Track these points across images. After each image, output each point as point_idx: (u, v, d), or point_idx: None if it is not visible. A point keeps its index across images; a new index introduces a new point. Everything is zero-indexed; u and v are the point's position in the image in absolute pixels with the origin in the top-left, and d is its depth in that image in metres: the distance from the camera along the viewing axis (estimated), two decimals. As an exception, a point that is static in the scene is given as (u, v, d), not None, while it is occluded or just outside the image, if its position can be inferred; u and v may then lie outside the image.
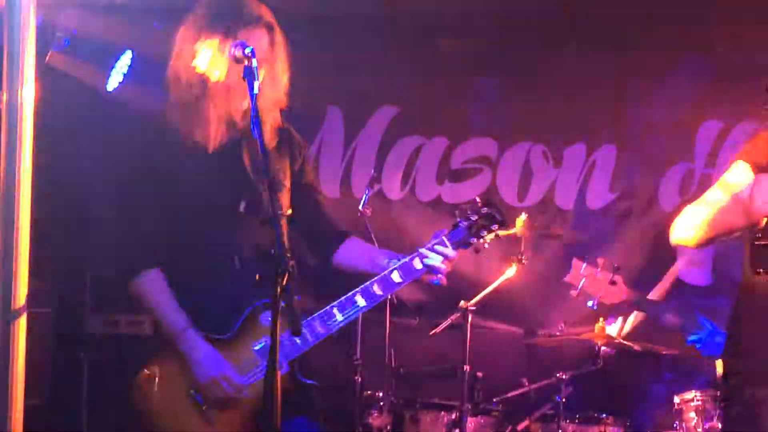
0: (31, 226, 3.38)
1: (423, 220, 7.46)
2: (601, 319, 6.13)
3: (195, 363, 3.98)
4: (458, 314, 6.01)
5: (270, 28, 4.13)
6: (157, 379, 4.01)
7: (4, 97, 3.14)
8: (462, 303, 5.94)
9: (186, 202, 4.09)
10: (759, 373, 3.75)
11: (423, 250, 4.21)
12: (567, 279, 5.46)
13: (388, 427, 6.13)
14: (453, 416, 6.06)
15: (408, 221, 7.50)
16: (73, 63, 6.52)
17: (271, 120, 4.19)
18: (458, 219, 4.33)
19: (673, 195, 7.47)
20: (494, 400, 6.20)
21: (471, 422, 6.00)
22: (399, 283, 4.18)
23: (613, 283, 5.34)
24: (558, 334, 7.08)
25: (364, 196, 6.02)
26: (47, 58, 6.26)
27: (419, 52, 7.46)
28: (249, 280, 4.00)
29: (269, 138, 4.17)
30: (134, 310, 6.38)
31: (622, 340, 6.19)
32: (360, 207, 5.95)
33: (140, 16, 6.72)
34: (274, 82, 4.16)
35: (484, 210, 4.32)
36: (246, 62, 3.75)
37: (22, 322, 3.30)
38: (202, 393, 3.99)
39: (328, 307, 4.11)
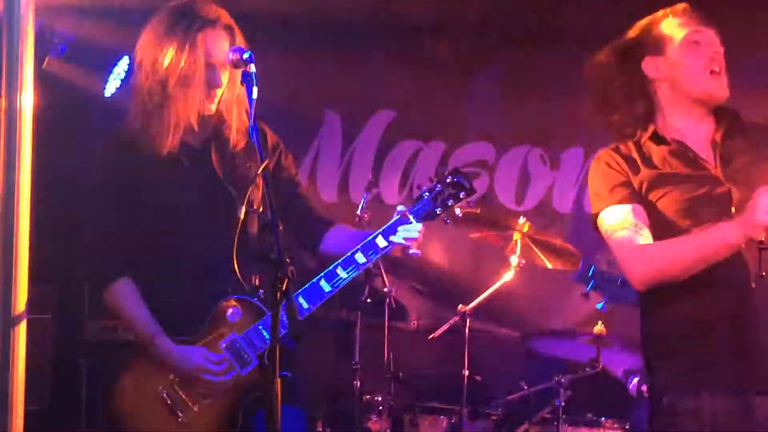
0: (30, 232, 3.38)
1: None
2: (600, 322, 6.13)
3: (173, 367, 4.02)
4: (457, 318, 6.01)
5: (229, 30, 4.11)
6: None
7: (3, 103, 3.14)
8: (460, 307, 5.94)
9: (153, 208, 4.11)
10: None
11: (385, 228, 4.21)
12: (575, 279, 5.48)
13: (387, 431, 6.13)
14: (452, 420, 6.07)
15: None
16: (70, 69, 6.53)
17: (236, 119, 4.18)
18: (423, 190, 4.27)
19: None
20: (493, 403, 6.20)
21: (470, 426, 6.00)
22: (364, 263, 4.15)
23: (622, 284, 5.37)
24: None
25: (362, 200, 6.02)
26: (45, 63, 6.27)
27: (416, 57, 7.47)
28: (216, 281, 4.06)
29: (236, 138, 4.19)
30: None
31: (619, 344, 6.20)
32: (358, 211, 5.96)
33: (137, 21, 6.73)
34: (235, 82, 4.10)
35: (449, 179, 4.22)
36: (244, 68, 3.76)
37: (21, 328, 3.30)
38: (177, 393, 4.04)
39: (293, 296, 3.99)
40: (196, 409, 4.05)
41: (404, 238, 4.19)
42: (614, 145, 4.12)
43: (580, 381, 6.12)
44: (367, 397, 6.21)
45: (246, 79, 3.72)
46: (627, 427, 6.11)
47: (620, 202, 3.77)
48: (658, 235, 3.67)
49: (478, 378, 6.08)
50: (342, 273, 4.12)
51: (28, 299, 3.36)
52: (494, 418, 6.15)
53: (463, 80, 7.61)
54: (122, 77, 6.73)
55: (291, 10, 4.44)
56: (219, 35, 4.08)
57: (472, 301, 5.97)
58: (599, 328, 6.10)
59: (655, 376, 3.78)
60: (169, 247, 4.12)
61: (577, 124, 7.55)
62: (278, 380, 3.23)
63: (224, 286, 4.07)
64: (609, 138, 7.58)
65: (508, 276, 5.97)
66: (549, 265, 6.05)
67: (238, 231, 3.64)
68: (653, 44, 4.03)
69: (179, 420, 4.03)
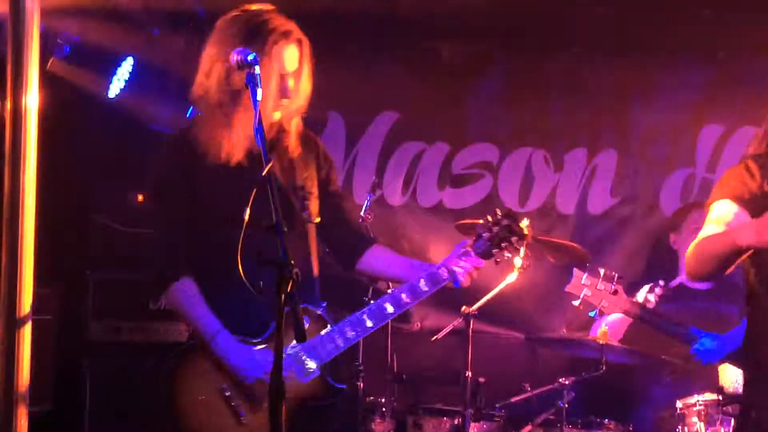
0: (35, 233, 3.39)
1: (424, 226, 7.47)
2: (603, 324, 6.13)
3: (234, 366, 4.10)
4: (460, 320, 6.01)
5: (299, 43, 4.23)
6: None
7: (9, 104, 3.14)
8: (464, 308, 5.93)
9: (216, 213, 4.18)
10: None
11: (449, 261, 4.37)
12: (568, 289, 5.47)
13: (391, 433, 6.14)
14: (455, 422, 6.06)
15: (409, 227, 7.51)
16: (74, 70, 6.54)
17: (295, 128, 4.32)
18: (480, 231, 4.42)
19: (674, 199, 7.48)
20: (497, 405, 6.19)
21: (473, 428, 6.00)
22: (426, 291, 4.32)
23: (614, 293, 5.35)
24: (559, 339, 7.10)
25: (366, 201, 6.02)
26: (49, 65, 6.27)
27: (420, 58, 7.48)
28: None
29: (294, 146, 4.32)
30: (136, 318, 6.39)
31: (623, 345, 6.19)
32: (361, 213, 5.95)
33: (141, 23, 6.74)
34: (299, 92, 4.26)
35: (504, 222, 4.41)
36: (249, 69, 3.77)
37: (27, 330, 3.30)
38: (239, 394, 4.12)
39: (358, 313, 4.26)
40: (258, 412, 4.11)
41: (463, 270, 4.36)
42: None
43: (584, 383, 6.12)
44: (371, 398, 6.20)
45: (250, 80, 3.73)
46: (630, 429, 6.11)
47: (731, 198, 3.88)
48: None
49: (482, 380, 6.07)
50: (405, 298, 4.31)
51: (33, 300, 3.37)
52: (498, 419, 6.14)
53: (467, 82, 7.61)
54: (126, 78, 6.74)
55: (295, 13, 4.45)
56: (291, 47, 4.20)
57: (475, 303, 5.96)
58: (603, 329, 6.09)
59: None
60: (232, 253, 4.05)
61: (580, 125, 7.57)
62: (282, 384, 3.26)
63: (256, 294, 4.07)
64: (611, 140, 7.64)
65: (511, 277, 5.96)
66: (552, 260, 6.06)
67: (242, 234, 3.64)
68: None
69: (241, 422, 4.13)
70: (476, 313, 5.94)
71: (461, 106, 7.62)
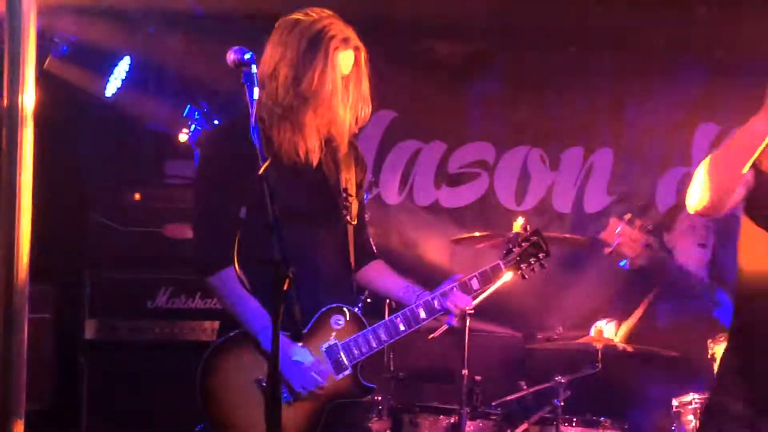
0: (31, 231, 3.39)
1: (421, 225, 7.48)
2: (598, 322, 6.15)
3: (286, 363, 4.14)
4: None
5: (357, 49, 4.37)
6: None
7: (5, 103, 3.14)
8: (460, 306, 5.93)
9: (260, 208, 4.06)
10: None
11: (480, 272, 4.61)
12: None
13: (387, 431, 6.14)
14: (452, 420, 6.06)
15: (406, 226, 7.52)
16: (71, 69, 6.55)
17: (349, 134, 4.43)
18: (510, 245, 4.74)
19: (670, 198, 7.49)
20: (493, 403, 6.19)
21: (470, 426, 6.00)
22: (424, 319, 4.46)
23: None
24: (556, 337, 7.10)
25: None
26: (46, 64, 6.28)
27: (417, 57, 7.49)
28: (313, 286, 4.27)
29: (344, 149, 4.45)
30: (134, 316, 6.39)
31: (620, 343, 6.20)
32: (358, 211, 5.96)
33: (138, 22, 6.75)
34: (359, 99, 4.40)
35: (533, 238, 4.74)
36: (245, 68, 3.78)
37: (23, 328, 3.30)
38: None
39: (393, 317, 4.41)
40: (290, 406, 4.19)
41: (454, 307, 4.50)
42: None
43: (580, 381, 6.13)
44: (367, 397, 6.21)
45: (247, 79, 3.74)
46: (626, 427, 6.12)
47: None
48: None
49: (478, 378, 6.08)
50: (423, 314, 4.44)
51: (28, 298, 3.37)
52: (494, 417, 6.15)
53: (464, 81, 7.62)
54: (123, 77, 6.75)
55: (292, 11, 4.48)
56: (348, 53, 4.34)
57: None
58: (598, 327, 6.11)
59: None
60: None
61: (576, 124, 7.59)
62: (279, 381, 3.27)
63: (330, 290, 4.33)
64: (607, 138, 7.66)
65: (508, 276, 5.96)
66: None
67: (239, 232, 3.69)
68: None
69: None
70: (473, 311, 5.94)
71: (458, 105, 7.63)
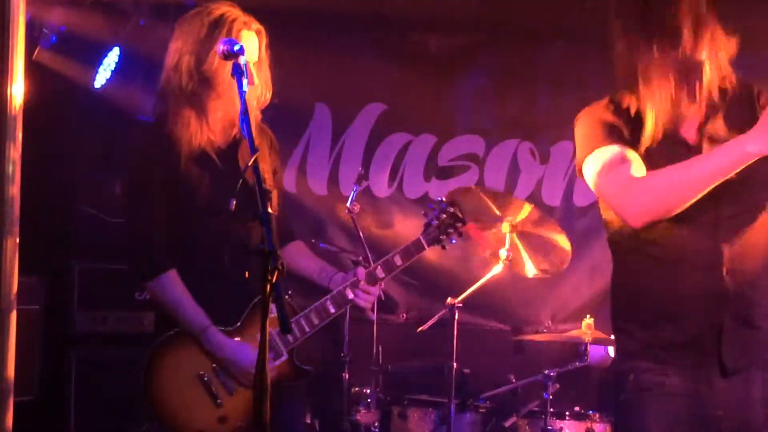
0: (20, 223, 3.38)
1: (410, 217, 7.47)
2: (588, 315, 6.15)
3: (223, 359, 4.33)
4: (445, 311, 6.01)
5: (259, 33, 4.44)
6: None
7: (-6, 94, 3.14)
8: (449, 300, 5.94)
9: (191, 204, 4.36)
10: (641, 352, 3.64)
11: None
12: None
13: (376, 424, 6.14)
14: (440, 413, 6.07)
15: (395, 218, 7.52)
16: (60, 60, 6.53)
17: (254, 119, 4.46)
18: (428, 219, 4.82)
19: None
20: (481, 396, 6.20)
21: (458, 418, 6.01)
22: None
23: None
24: (545, 330, 7.12)
25: (352, 193, 6.02)
26: (34, 54, 6.26)
27: (407, 50, 7.48)
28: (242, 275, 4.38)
29: (255, 136, 4.26)
30: (123, 307, 6.38)
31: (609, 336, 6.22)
32: (348, 204, 5.96)
33: (127, 13, 6.73)
34: (262, 82, 4.46)
35: (450, 209, 4.83)
36: (234, 59, 3.79)
37: (12, 320, 3.30)
38: (217, 379, 4.36)
39: (323, 300, 4.53)
40: (232, 396, 4.36)
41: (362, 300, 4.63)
42: None
43: (568, 374, 6.14)
44: (356, 389, 6.22)
45: (236, 71, 3.76)
46: (614, 420, 6.13)
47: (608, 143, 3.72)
48: None
49: (467, 371, 6.09)
50: (350, 295, 4.60)
51: (17, 290, 3.37)
52: (482, 410, 6.16)
53: (453, 74, 7.61)
54: (112, 68, 6.73)
55: (282, 4, 4.49)
56: (252, 36, 4.42)
57: (461, 294, 5.97)
58: (588, 321, 6.12)
59: (621, 345, 3.74)
60: (205, 244, 4.40)
61: (566, 118, 7.53)
62: (267, 374, 3.28)
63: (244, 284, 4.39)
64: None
65: (497, 269, 5.97)
66: (531, 272, 6.02)
67: (270, 228, 3.76)
68: None
69: (218, 404, 4.36)
70: (462, 304, 5.95)
71: (447, 98, 7.63)
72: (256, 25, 4.44)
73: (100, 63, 6.71)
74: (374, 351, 6.30)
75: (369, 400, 6.17)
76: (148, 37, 6.86)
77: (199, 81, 4.33)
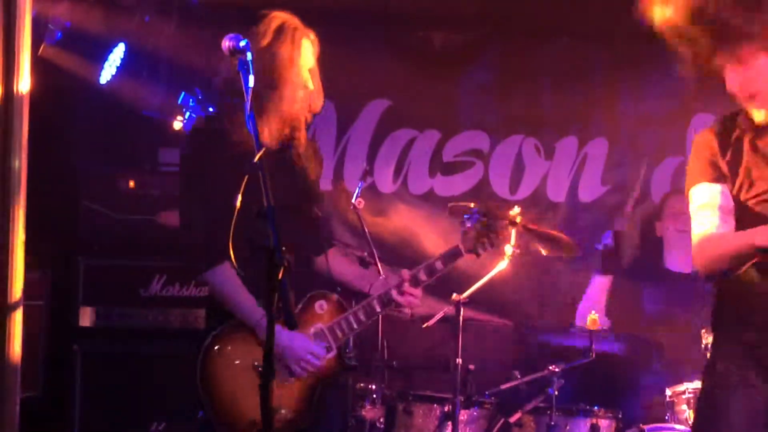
0: (26, 219, 3.38)
1: (415, 214, 7.47)
2: (593, 311, 6.15)
3: (281, 348, 4.45)
4: (450, 307, 6.01)
5: (314, 42, 4.69)
6: None
7: (0, 91, 3.14)
8: (454, 296, 5.93)
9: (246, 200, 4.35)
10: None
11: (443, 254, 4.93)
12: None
13: (381, 420, 6.14)
14: (445, 408, 6.06)
15: (400, 214, 7.51)
16: (65, 56, 6.54)
17: (304, 125, 4.69)
18: (464, 228, 5.01)
19: (664, 188, 7.49)
20: (486, 392, 6.19)
21: (463, 414, 6.01)
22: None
23: None
24: (549, 326, 7.11)
25: (357, 189, 6.01)
26: (40, 50, 6.26)
27: (411, 46, 7.49)
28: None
29: (305, 141, 4.74)
30: (127, 303, 6.39)
31: (611, 328, 6.23)
32: (352, 200, 5.95)
33: (132, 9, 6.73)
34: (318, 88, 4.70)
35: (484, 219, 4.99)
36: (240, 55, 3.79)
37: (18, 315, 3.31)
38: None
39: (370, 299, 4.76)
40: (284, 387, 4.53)
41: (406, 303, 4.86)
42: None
43: (574, 370, 6.13)
44: (361, 385, 6.21)
45: (242, 67, 3.76)
46: (620, 416, 6.12)
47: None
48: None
49: (472, 367, 6.07)
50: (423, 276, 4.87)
51: (23, 286, 3.37)
52: (487, 406, 6.15)
53: (458, 70, 7.61)
54: (117, 64, 6.74)
55: (286, 1, 4.52)
56: (311, 45, 4.67)
57: (466, 290, 5.97)
58: (593, 317, 6.11)
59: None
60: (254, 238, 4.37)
61: (571, 114, 7.58)
62: (273, 369, 3.34)
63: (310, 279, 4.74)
64: (601, 128, 7.66)
65: (502, 265, 5.96)
66: (544, 252, 6.06)
67: (234, 219, 3.86)
68: None
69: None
70: (467, 300, 5.94)
71: (452, 94, 7.63)
72: (312, 34, 4.67)
73: (106, 59, 6.71)
74: (379, 347, 6.30)
75: (374, 396, 6.17)
76: (153, 33, 6.87)
77: (263, 85, 4.38)
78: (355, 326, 4.71)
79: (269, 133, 4.55)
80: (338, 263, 5.01)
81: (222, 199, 4.36)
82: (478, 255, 5.04)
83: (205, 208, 4.51)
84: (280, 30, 4.55)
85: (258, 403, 4.09)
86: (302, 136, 4.69)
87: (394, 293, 4.76)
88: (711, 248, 3.92)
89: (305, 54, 4.60)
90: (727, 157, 4.03)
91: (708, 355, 4.32)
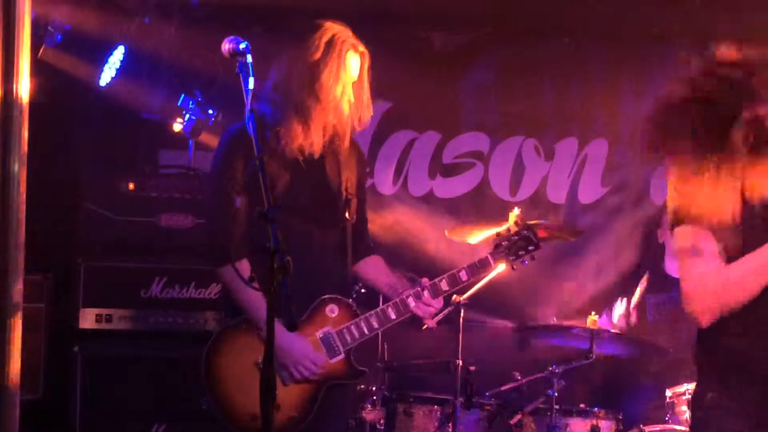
0: (25, 222, 3.38)
1: (415, 215, 7.47)
2: (593, 312, 6.15)
3: (279, 350, 4.40)
4: (451, 308, 6.01)
5: (362, 55, 4.80)
6: None
7: (0, 93, 3.14)
8: (455, 297, 5.94)
9: (286, 202, 4.58)
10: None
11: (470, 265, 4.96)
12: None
13: (381, 421, 6.15)
14: (446, 410, 6.07)
15: (400, 216, 7.51)
16: (65, 58, 6.54)
17: (349, 134, 4.80)
18: (502, 238, 5.06)
19: (664, 189, 7.45)
20: (487, 393, 6.20)
21: (464, 416, 6.01)
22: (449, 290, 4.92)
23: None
24: (550, 327, 7.11)
25: (358, 190, 6.01)
26: (40, 53, 6.26)
27: (412, 47, 7.48)
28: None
29: (346, 149, 4.83)
30: (128, 305, 6.38)
31: (615, 330, 6.23)
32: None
33: (132, 11, 6.73)
34: (361, 102, 4.79)
35: (524, 233, 5.04)
36: (240, 58, 3.80)
37: (17, 318, 3.30)
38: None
39: (386, 305, 4.81)
40: (286, 386, 4.61)
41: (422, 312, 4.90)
42: None
43: (574, 371, 6.13)
44: (361, 386, 6.21)
45: (242, 69, 3.77)
46: (620, 417, 6.13)
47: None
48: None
49: (472, 368, 6.08)
50: (412, 303, 4.84)
51: (23, 288, 3.36)
52: (488, 408, 6.15)
53: (458, 71, 7.62)
54: (117, 66, 6.74)
55: (286, 2, 4.53)
56: (357, 57, 4.77)
57: (466, 292, 5.97)
58: (593, 318, 6.11)
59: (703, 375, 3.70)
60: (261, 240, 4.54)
61: (571, 115, 7.59)
62: (274, 370, 3.35)
63: (324, 282, 4.73)
64: (601, 129, 7.65)
65: (502, 266, 5.97)
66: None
67: (275, 226, 4.00)
68: None
69: None
70: (467, 301, 5.95)
71: (452, 96, 7.63)
72: (361, 47, 4.79)
73: (105, 61, 6.71)
74: (379, 348, 6.31)
75: (374, 398, 6.18)
76: (153, 35, 6.87)
77: (309, 94, 4.60)
78: (366, 332, 4.75)
79: (313, 141, 4.66)
80: (372, 272, 5.09)
81: (246, 198, 4.62)
82: (513, 267, 5.07)
83: (227, 206, 4.66)
84: (330, 44, 4.67)
85: (258, 401, 4.28)
86: (344, 145, 4.79)
87: (410, 301, 4.79)
88: (728, 284, 3.50)
89: (350, 67, 4.70)
90: None
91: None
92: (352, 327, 4.73)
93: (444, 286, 4.85)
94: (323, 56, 4.63)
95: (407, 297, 4.79)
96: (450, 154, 7.59)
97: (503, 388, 6.25)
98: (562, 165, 7.59)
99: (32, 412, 5.62)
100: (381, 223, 7.36)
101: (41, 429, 6.10)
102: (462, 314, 5.94)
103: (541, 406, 6.06)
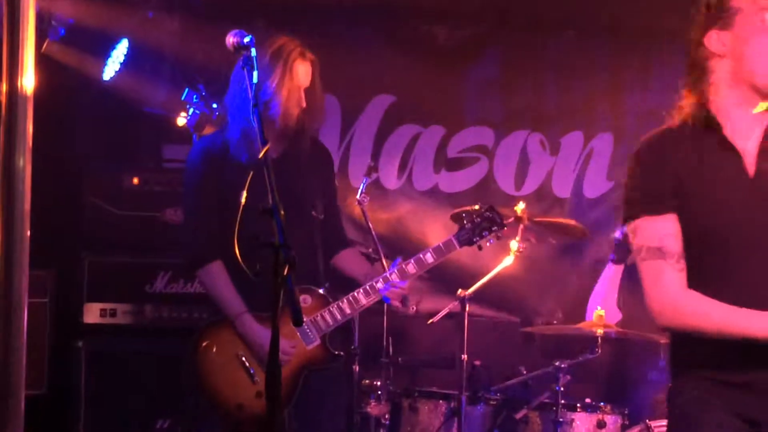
0: (30, 216, 3.37)
1: (420, 210, 7.46)
2: (599, 307, 6.13)
3: (252, 344, 4.99)
4: (456, 303, 6.00)
5: (313, 63, 5.11)
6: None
7: (4, 87, 3.13)
8: (460, 292, 5.93)
9: (235, 202, 4.85)
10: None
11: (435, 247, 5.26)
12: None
13: (386, 416, 6.13)
14: (451, 405, 6.06)
15: (405, 210, 7.50)
16: (69, 52, 6.54)
17: (310, 136, 5.21)
18: (464, 222, 5.29)
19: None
20: (492, 388, 6.19)
21: (469, 411, 6.00)
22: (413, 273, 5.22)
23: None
24: (555, 322, 7.10)
25: (362, 185, 6.00)
26: (43, 47, 6.26)
27: (416, 41, 7.47)
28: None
29: (305, 151, 5.15)
30: (132, 300, 6.38)
31: (619, 329, 6.21)
32: (357, 196, 5.94)
33: (135, 5, 6.73)
34: (315, 105, 5.14)
35: (486, 214, 5.30)
36: (244, 51, 3.79)
37: (22, 313, 3.29)
38: (252, 359, 5.03)
39: (354, 292, 5.12)
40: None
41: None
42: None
43: (579, 366, 6.12)
44: (366, 381, 6.20)
45: (246, 63, 3.77)
46: (626, 411, 6.11)
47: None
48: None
49: (478, 363, 6.07)
50: (380, 285, 5.16)
51: (27, 283, 3.35)
52: (493, 403, 6.14)
53: (463, 65, 7.60)
54: (121, 61, 6.73)
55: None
56: (306, 65, 5.07)
57: (471, 286, 5.96)
58: (599, 312, 6.10)
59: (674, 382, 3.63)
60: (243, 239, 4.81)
61: (576, 109, 7.57)
62: (279, 366, 3.41)
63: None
64: (607, 123, 7.63)
65: (507, 261, 5.96)
66: (554, 241, 6.13)
67: (239, 217, 4.11)
68: (722, 16, 3.54)
69: (254, 381, 5.00)
70: (472, 296, 5.94)
71: (457, 90, 7.61)
72: (310, 55, 5.08)
73: (109, 55, 6.70)
74: (384, 343, 6.29)
75: (379, 393, 6.16)
76: (156, 30, 6.87)
77: (260, 100, 4.72)
78: (339, 318, 5.09)
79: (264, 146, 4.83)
80: (349, 263, 5.42)
81: (216, 201, 5.01)
82: (479, 247, 5.31)
83: (199, 210, 5.06)
84: (276, 53, 4.98)
85: (243, 389, 4.90)
86: (302, 147, 5.13)
87: (378, 284, 5.09)
88: (688, 312, 3.42)
89: (297, 75, 5.00)
90: None
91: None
92: (326, 314, 5.07)
93: (411, 269, 5.15)
94: (269, 66, 4.93)
95: (377, 281, 5.09)
96: (455, 148, 7.58)
97: (508, 382, 6.24)
98: (568, 159, 7.56)
99: (36, 408, 5.62)
100: (386, 217, 7.36)
101: (46, 424, 6.10)
102: (467, 309, 5.92)
103: (546, 400, 6.05)
